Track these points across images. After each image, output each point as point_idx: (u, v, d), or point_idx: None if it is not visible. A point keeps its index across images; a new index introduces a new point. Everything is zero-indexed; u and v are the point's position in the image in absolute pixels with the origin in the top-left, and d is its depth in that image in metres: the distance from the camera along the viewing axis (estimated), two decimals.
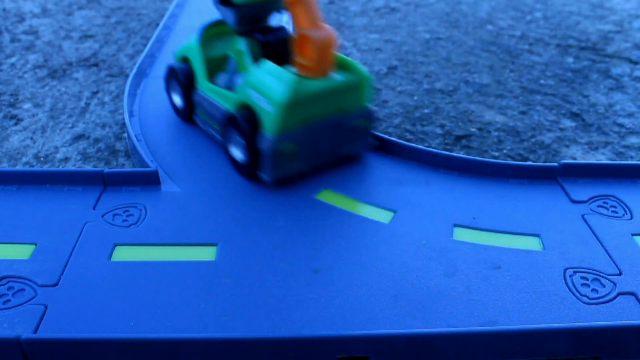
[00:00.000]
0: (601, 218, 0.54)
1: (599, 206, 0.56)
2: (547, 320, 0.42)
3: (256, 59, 0.60)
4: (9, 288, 0.44)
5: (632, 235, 0.52)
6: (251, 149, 0.55)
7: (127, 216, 0.53)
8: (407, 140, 0.71)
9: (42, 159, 0.67)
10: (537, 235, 0.52)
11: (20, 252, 0.48)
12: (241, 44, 0.61)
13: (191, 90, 0.67)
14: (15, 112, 0.78)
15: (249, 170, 0.57)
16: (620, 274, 0.47)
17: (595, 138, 0.73)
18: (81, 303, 0.44)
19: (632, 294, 0.45)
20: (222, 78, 0.65)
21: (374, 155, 0.64)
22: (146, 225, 0.52)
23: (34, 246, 0.49)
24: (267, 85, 0.55)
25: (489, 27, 1.11)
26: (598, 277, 0.47)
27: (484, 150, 0.70)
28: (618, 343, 0.42)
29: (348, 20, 1.14)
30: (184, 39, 0.94)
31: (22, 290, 0.44)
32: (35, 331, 0.41)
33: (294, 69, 0.56)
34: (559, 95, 0.84)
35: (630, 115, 0.79)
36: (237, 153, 0.59)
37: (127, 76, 0.82)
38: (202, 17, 1.04)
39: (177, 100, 0.70)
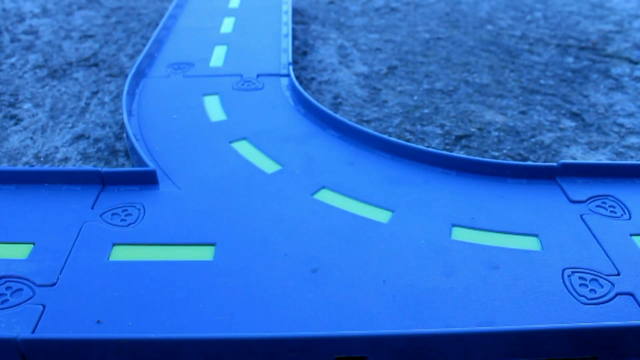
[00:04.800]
0: (600, 218, 0.54)
1: (597, 206, 0.56)
2: (545, 321, 0.42)
3: None
4: (7, 288, 0.44)
5: (631, 235, 0.52)
6: None
7: (125, 216, 0.53)
8: (407, 140, 0.71)
9: (42, 159, 0.67)
10: (536, 235, 0.52)
11: (19, 251, 0.48)
12: None
13: None
14: (15, 112, 0.78)
15: None
16: (618, 275, 0.47)
17: (595, 138, 0.73)
18: (79, 303, 0.44)
19: (631, 294, 0.45)
20: None
21: (372, 155, 0.64)
22: (144, 225, 0.52)
23: (32, 246, 0.49)
24: None
25: (489, 27, 1.11)
26: (596, 277, 0.47)
27: (484, 150, 0.70)
28: (616, 343, 0.41)
29: (348, 20, 1.14)
30: (183, 40, 0.94)
31: (20, 290, 0.44)
32: (34, 331, 0.41)
33: None
34: (559, 95, 0.84)
35: (630, 115, 0.78)
36: None
37: (127, 76, 0.82)
38: (201, 18, 1.04)
39: None
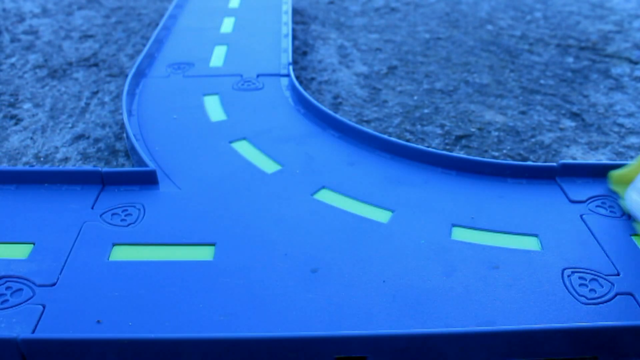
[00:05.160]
0: (599, 218, 0.54)
1: (597, 206, 0.56)
2: (545, 321, 0.42)
3: None
4: (7, 288, 0.44)
5: (631, 235, 0.52)
6: None
7: (125, 216, 0.53)
8: (407, 140, 0.71)
9: (42, 159, 0.67)
10: (536, 235, 0.52)
11: (19, 251, 0.48)
12: None
13: None
14: (15, 112, 0.78)
15: None
16: (618, 274, 0.47)
17: (595, 138, 0.73)
18: (79, 303, 0.44)
19: (630, 294, 0.45)
20: None
21: (372, 155, 0.63)
22: (144, 225, 0.52)
23: (32, 246, 0.49)
24: None
25: (489, 27, 1.11)
26: (596, 277, 0.47)
27: (484, 150, 0.70)
28: (616, 343, 0.41)
29: (348, 20, 1.14)
30: (183, 40, 0.94)
31: (20, 290, 0.44)
32: (34, 331, 0.41)
33: None
34: (559, 95, 0.84)
35: (630, 115, 0.78)
36: None
37: (127, 76, 0.82)
38: (201, 18, 1.04)
39: None
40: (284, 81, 0.80)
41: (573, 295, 0.45)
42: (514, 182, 0.59)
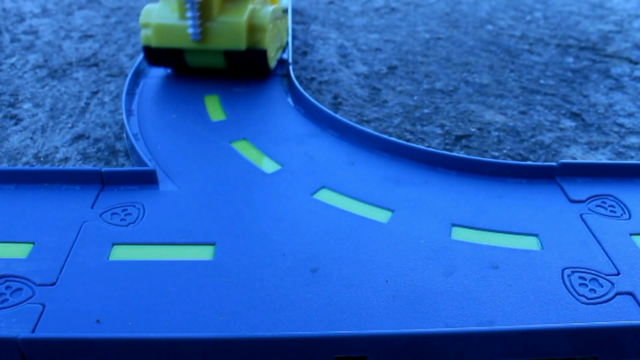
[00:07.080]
0: (599, 218, 0.54)
1: (597, 206, 0.56)
2: (545, 320, 0.42)
3: None
4: (7, 287, 0.44)
5: (631, 235, 0.52)
6: None
7: (125, 215, 0.53)
8: (407, 140, 0.71)
9: (42, 159, 0.67)
10: (536, 235, 0.52)
11: (18, 251, 0.48)
12: None
13: None
14: (15, 112, 0.78)
15: None
16: (618, 274, 0.47)
17: (595, 138, 0.73)
18: (79, 302, 0.44)
19: (630, 294, 0.45)
20: None
21: (372, 155, 0.63)
22: (144, 225, 0.52)
23: (32, 245, 0.49)
24: None
25: (489, 27, 1.11)
26: (596, 277, 0.47)
27: (484, 150, 0.70)
28: (616, 343, 0.41)
29: (348, 20, 1.14)
30: None
31: (20, 289, 0.44)
32: (33, 330, 0.41)
33: None
34: (559, 95, 0.84)
35: (630, 115, 0.78)
36: None
37: (127, 76, 0.82)
38: None
39: None
40: (284, 81, 0.81)
41: (573, 295, 0.45)
42: (514, 182, 0.59)
